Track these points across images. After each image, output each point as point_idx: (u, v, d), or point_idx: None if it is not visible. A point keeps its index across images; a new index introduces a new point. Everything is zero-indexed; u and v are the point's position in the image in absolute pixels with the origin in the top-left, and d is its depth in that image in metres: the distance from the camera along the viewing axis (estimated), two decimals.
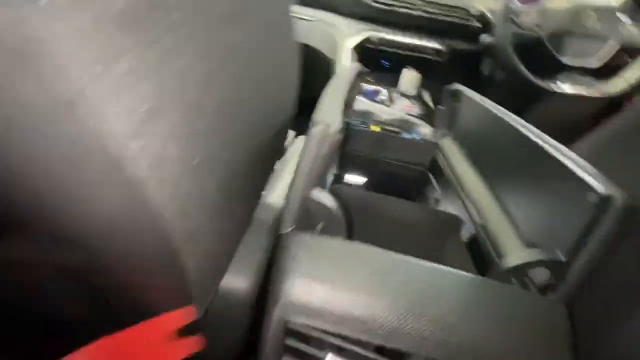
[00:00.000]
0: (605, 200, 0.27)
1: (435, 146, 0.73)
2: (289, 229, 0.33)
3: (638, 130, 0.39)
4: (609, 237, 0.29)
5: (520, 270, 0.33)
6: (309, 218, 0.35)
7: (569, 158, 0.33)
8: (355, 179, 0.79)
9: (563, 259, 0.31)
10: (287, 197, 0.31)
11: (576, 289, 0.31)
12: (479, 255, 0.44)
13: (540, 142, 0.38)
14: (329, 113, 0.29)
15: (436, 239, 0.48)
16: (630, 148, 0.36)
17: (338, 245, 0.31)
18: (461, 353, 0.25)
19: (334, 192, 0.52)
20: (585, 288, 0.32)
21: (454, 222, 0.50)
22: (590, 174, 0.30)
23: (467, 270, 0.43)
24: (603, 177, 0.29)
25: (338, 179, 0.76)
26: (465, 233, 0.50)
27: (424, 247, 0.48)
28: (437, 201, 0.65)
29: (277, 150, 0.39)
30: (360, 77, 0.68)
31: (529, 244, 0.37)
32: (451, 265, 0.45)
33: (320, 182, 0.43)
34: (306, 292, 0.28)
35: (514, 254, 0.33)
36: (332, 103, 0.31)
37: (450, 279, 0.30)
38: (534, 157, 0.39)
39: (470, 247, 0.47)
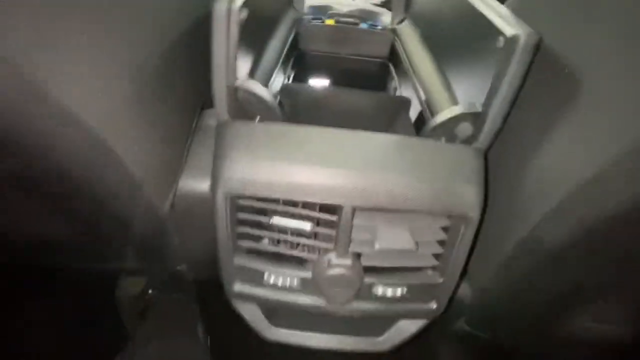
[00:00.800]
0: (511, 42, 0.28)
1: (393, 33, 0.70)
2: (224, 120, 0.35)
3: None
4: (518, 80, 0.30)
5: (447, 126, 0.36)
6: (243, 109, 0.36)
7: (488, 5, 0.33)
8: (315, 82, 0.77)
9: (479, 109, 0.33)
10: (212, 89, 0.32)
11: (493, 136, 0.34)
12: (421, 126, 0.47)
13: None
14: None
15: (384, 120, 0.51)
16: None
17: (276, 128, 0.33)
18: (378, 197, 0.29)
19: (283, 92, 0.52)
20: (502, 133, 0.35)
21: (402, 103, 0.52)
22: (501, 17, 0.30)
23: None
24: (514, 19, 0.29)
25: (297, 81, 0.75)
26: (414, 112, 0.52)
27: (372, 128, 0.51)
28: (395, 90, 0.65)
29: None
30: None
31: (456, 102, 0.39)
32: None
33: (259, 77, 0.43)
34: (245, 167, 0.31)
35: (443, 112, 0.36)
36: None
37: (381, 141, 0.33)
38: (465, 11, 0.38)
39: (417, 124, 0.50)
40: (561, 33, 0.33)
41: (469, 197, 0.29)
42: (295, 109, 0.51)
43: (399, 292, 0.31)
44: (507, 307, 0.42)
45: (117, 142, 0.27)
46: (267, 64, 0.46)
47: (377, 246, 0.30)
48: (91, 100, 0.25)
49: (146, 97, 0.31)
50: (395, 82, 0.69)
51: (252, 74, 0.40)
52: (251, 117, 0.37)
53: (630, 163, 0.25)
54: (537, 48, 0.28)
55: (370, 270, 0.32)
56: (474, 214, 0.30)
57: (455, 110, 0.34)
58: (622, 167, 0.26)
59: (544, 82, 0.33)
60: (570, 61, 0.30)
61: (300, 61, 0.74)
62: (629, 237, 0.31)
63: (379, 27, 0.73)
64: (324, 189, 0.29)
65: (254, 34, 0.41)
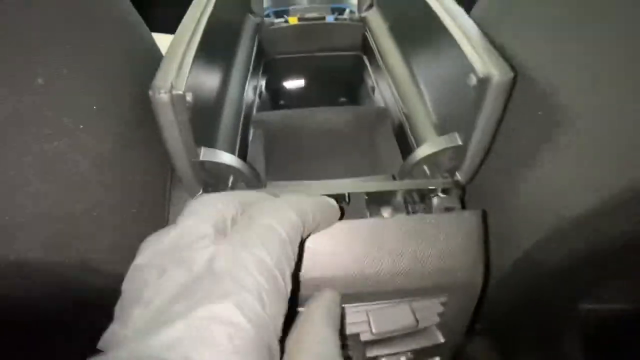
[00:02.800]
0: (483, 82, 0.26)
1: (362, 22, 0.65)
2: (198, 195, 0.33)
3: None
4: (496, 116, 0.28)
5: (429, 159, 0.34)
6: (215, 178, 0.34)
7: (463, 31, 0.29)
8: (292, 84, 0.73)
9: (460, 142, 0.31)
10: (175, 171, 0.30)
11: (476, 167, 0.33)
12: (404, 140, 0.45)
13: (438, 11, 0.33)
14: (168, 75, 0.25)
15: (365, 134, 0.48)
16: None
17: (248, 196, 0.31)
18: (367, 284, 0.28)
19: (255, 123, 0.49)
20: (485, 164, 0.33)
21: (381, 114, 0.49)
22: (475, 50, 0.27)
23: (394, 158, 0.44)
24: (488, 52, 0.27)
25: (272, 90, 0.71)
26: (394, 120, 0.49)
27: (354, 145, 0.49)
28: (372, 90, 0.62)
29: None
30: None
31: (438, 130, 0.37)
32: (382, 155, 0.46)
33: (224, 135, 0.40)
34: None
35: (426, 144, 0.34)
36: (173, 57, 0.27)
37: (368, 224, 0.30)
38: (436, 31, 0.35)
39: (397, 134, 0.47)
40: (530, 50, 0.30)
41: (470, 268, 0.28)
42: (272, 139, 0.49)
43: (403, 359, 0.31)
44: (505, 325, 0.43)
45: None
46: (232, 109, 0.43)
47: (374, 329, 0.29)
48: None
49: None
50: (371, 76, 0.65)
51: (213, 134, 0.38)
52: (225, 182, 0.35)
53: (626, 190, 0.24)
54: (513, 84, 0.26)
55: (370, 343, 0.32)
56: (478, 280, 0.29)
57: (439, 144, 0.32)
58: (615, 192, 0.25)
59: (523, 110, 0.30)
60: (544, 84, 0.28)
61: (270, 68, 0.69)
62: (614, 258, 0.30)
63: (347, 17, 0.67)
64: (305, 280, 0.28)
65: (211, 71, 0.38)
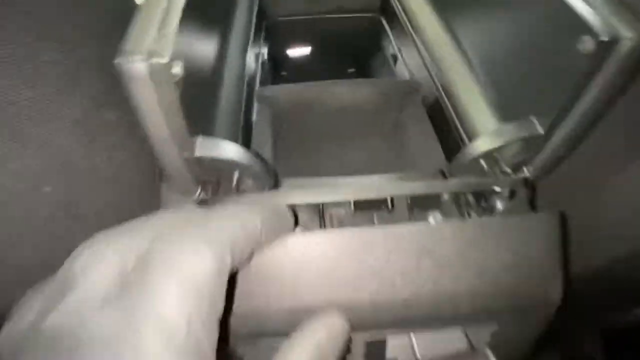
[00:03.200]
0: (606, 46, 0.18)
1: None
2: (195, 197, 0.26)
3: None
4: (609, 93, 0.20)
5: (492, 152, 0.27)
6: (216, 174, 0.26)
7: None
8: (295, 51, 0.64)
9: (541, 131, 0.24)
10: (164, 171, 0.22)
11: (556, 162, 0.25)
12: (446, 122, 0.37)
13: None
14: (146, 35, 0.17)
15: (391, 113, 0.40)
16: None
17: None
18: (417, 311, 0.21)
19: (261, 99, 0.41)
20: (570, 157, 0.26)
21: (411, 89, 0.41)
22: (589, 2, 0.19)
23: (429, 145, 0.36)
24: (611, 5, 0.18)
25: (273, 59, 0.61)
26: (430, 95, 0.41)
27: (378, 126, 0.41)
28: (394, 58, 0.53)
29: None
30: None
31: (502, 115, 0.29)
32: (411, 140, 0.39)
33: (223, 120, 0.32)
34: None
35: (485, 136, 0.26)
36: (150, 13, 0.18)
37: (418, 230, 0.23)
38: None
39: (431, 113, 0.39)
40: None
41: (546, 284, 0.22)
42: (280, 119, 0.40)
43: None
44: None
45: None
46: (232, 83, 0.35)
47: (418, 355, 0.23)
48: None
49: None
50: (392, 43, 0.56)
51: (211, 118, 0.29)
52: (229, 179, 0.27)
53: None
54: None
55: None
56: (554, 298, 0.22)
57: (508, 135, 0.25)
58: None
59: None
60: None
61: (272, 32, 0.59)
62: None
63: None
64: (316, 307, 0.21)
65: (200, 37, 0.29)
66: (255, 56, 0.52)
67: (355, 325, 0.20)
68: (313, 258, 0.20)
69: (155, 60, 0.16)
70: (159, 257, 0.13)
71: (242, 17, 0.45)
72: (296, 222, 0.22)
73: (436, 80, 0.38)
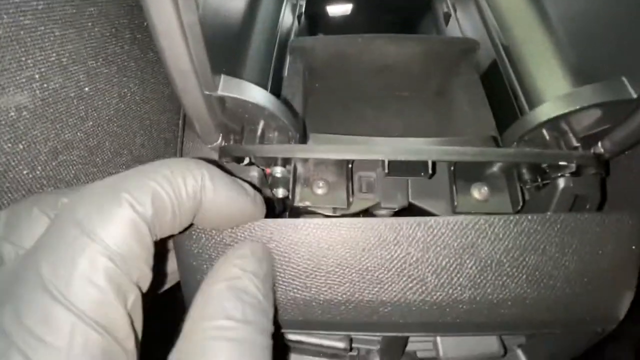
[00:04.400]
0: None
1: None
2: (216, 144, 0.24)
3: None
4: None
5: (561, 119, 0.22)
6: (240, 122, 0.24)
7: None
8: (336, 8, 0.59)
9: (633, 94, 0.19)
10: (184, 111, 0.20)
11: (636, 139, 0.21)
12: (498, 90, 0.32)
13: None
14: None
15: (440, 75, 0.36)
16: None
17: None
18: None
19: (293, 51, 0.38)
20: None
21: (465, 48, 0.36)
22: None
23: (481, 115, 0.32)
24: None
25: (311, 16, 0.57)
26: (484, 60, 0.36)
27: (422, 89, 0.37)
28: (447, 17, 0.47)
29: None
30: None
31: (579, 79, 0.24)
32: (460, 108, 0.34)
33: (253, 60, 0.30)
34: None
35: (555, 100, 0.22)
36: None
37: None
38: None
39: (485, 82, 0.35)
40: None
41: (615, 297, 0.18)
42: (314, 72, 0.37)
43: None
44: None
45: None
46: (263, 27, 0.32)
47: (442, 355, 0.21)
48: None
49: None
50: (446, 3, 0.49)
51: (238, 60, 0.27)
52: (254, 130, 0.25)
53: None
54: None
55: None
56: (619, 313, 0.18)
57: (587, 98, 0.20)
58: None
59: None
60: None
61: None
62: None
63: None
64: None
65: None
66: (292, 7, 0.48)
67: (377, 325, 0.18)
68: (333, 247, 0.17)
69: None
70: (66, 217, 0.11)
71: None
72: (272, 213, 0.18)
73: (498, 39, 0.33)
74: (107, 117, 0.22)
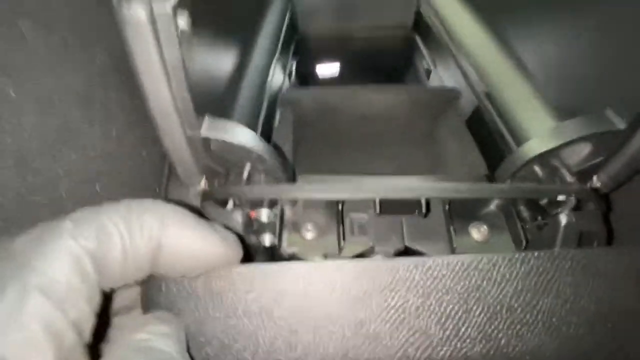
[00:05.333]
0: None
1: None
2: (198, 188, 0.23)
3: None
4: None
5: (551, 154, 0.22)
6: (225, 165, 0.24)
7: None
8: (325, 68, 0.63)
9: (621, 126, 0.19)
10: (165, 153, 0.20)
11: (631, 173, 0.20)
12: (484, 134, 0.32)
13: None
14: None
15: (424, 123, 0.37)
16: None
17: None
18: None
19: (284, 102, 0.39)
20: None
21: (449, 96, 0.37)
22: None
23: (470, 156, 0.32)
24: None
25: (302, 75, 0.60)
26: (467, 106, 0.37)
27: (409, 135, 0.37)
28: (428, 73, 0.50)
29: None
30: None
31: (562, 114, 0.25)
32: (449, 151, 0.34)
33: (242, 106, 0.30)
34: None
35: (542, 136, 0.22)
36: None
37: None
38: None
39: (471, 125, 0.35)
40: None
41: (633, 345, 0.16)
42: (304, 122, 0.38)
43: None
44: None
45: None
46: (254, 79, 0.33)
47: None
48: None
49: None
50: (426, 57, 0.53)
51: (226, 105, 0.27)
52: (239, 172, 0.24)
53: None
54: None
55: None
56: None
57: (578, 129, 0.20)
58: None
59: None
60: None
61: (302, 46, 0.59)
62: None
63: None
64: None
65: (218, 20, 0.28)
66: (283, 67, 0.51)
67: None
68: (322, 296, 0.15)
69: (156, 4, 0.14)
70: None
71: (271, 26, 0.45)
72: (249, 258, 0.15)
73: (477, 87, 0.34)
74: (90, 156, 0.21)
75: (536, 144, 0.22)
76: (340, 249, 0.22)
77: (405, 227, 0.22)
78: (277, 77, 0.47)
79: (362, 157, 0.38)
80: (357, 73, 0.63)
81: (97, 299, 0.10)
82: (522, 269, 0.16)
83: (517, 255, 0.16)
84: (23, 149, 0.17)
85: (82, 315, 0.10)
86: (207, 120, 0.21)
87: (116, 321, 0.15)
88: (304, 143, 0.38)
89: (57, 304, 0.09)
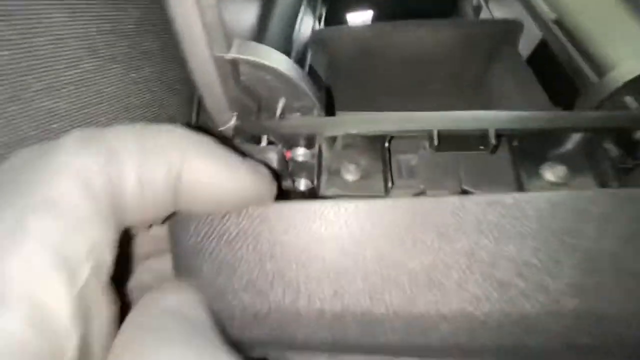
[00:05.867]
0: None
1: None
2: (229, 125, 0.20)
3: None
4: None
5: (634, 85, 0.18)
6: (257, 98, 0.21)
7: None
8: (356, 16, 0.57)
9: None
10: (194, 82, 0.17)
11: None
12: (550, 76, 0.28)
13: None
14: None
15: (478, 62, 0.32)
16: None
17: None
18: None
19: (315, 42, 0.35)
20: None
21: (509, 29, 0.32)
22: None
23: (535, 97, 0.28)
24: None
25: (332, 23, 0.55)
26: (529, 41, 0.32)
27: (459, 79, 0.33)
28: (477, 10, 0.44)
29: None
30: None
31: None
32: (505, 99, 0.30)
33: (272, 32, 0.27)
34: None
35: (630, 60, 0.17)
36: None
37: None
38: None
39: (534, 61, 0.31)
40: None
41: None
42: (338, 65, 0.34)
43: None
44: None
45: None
46: (283, 7, 0.29)
47: None
48: None
49: None
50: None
51: (259, 28, 0.24)
52: (272, 106, 0.22)
53: None
54: None
55: None
56: None
57: None
58: None
59: None
60: None
61: None
62: None
63: None
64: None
65: None
66: (312, 9, 0.46)
67: (441, 351, 0.12)
68: (375, 239, 0.12)
69: None
70: None
71: None
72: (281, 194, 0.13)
73: (544, 16, 0.29)
74: (112, 94, 0.20)
75: (632, 65, 0.18)
76: (387, 191, 0.20)
77: (463, 167, 0.19)
78: (307, 21, 0.43)
79: (402, 108, 0.34)
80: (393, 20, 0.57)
81: (111, 230, 0.08)
82: (633, 208, 0.12)
83: (624, 192, 0.12)
84: None
85: (95, 246, 0.08)
86: (236, 42, 0.18)
87: (141, 269, 0.13)
88: (337, 91, 0.35)
89: (64, 225, 0.07)
